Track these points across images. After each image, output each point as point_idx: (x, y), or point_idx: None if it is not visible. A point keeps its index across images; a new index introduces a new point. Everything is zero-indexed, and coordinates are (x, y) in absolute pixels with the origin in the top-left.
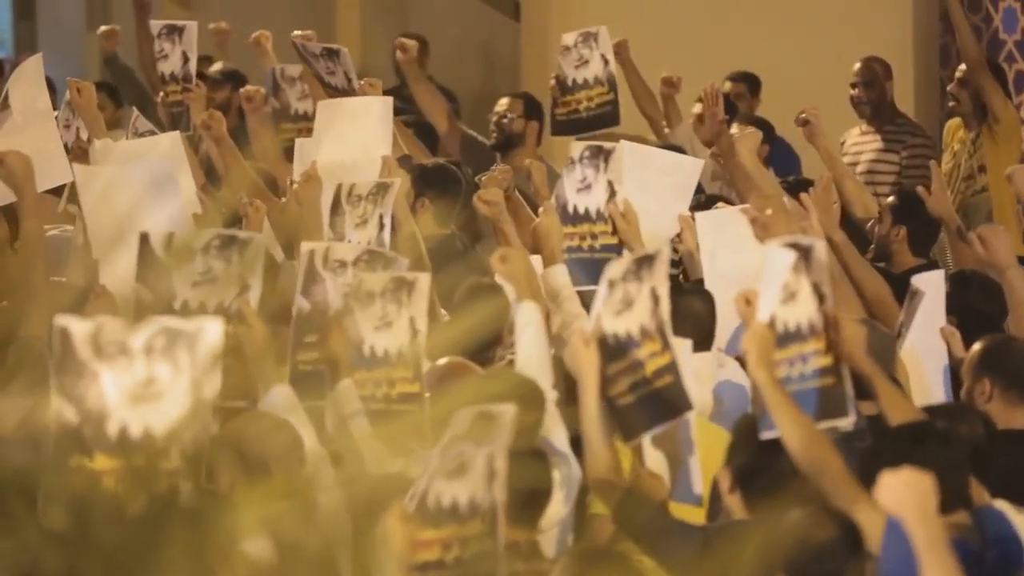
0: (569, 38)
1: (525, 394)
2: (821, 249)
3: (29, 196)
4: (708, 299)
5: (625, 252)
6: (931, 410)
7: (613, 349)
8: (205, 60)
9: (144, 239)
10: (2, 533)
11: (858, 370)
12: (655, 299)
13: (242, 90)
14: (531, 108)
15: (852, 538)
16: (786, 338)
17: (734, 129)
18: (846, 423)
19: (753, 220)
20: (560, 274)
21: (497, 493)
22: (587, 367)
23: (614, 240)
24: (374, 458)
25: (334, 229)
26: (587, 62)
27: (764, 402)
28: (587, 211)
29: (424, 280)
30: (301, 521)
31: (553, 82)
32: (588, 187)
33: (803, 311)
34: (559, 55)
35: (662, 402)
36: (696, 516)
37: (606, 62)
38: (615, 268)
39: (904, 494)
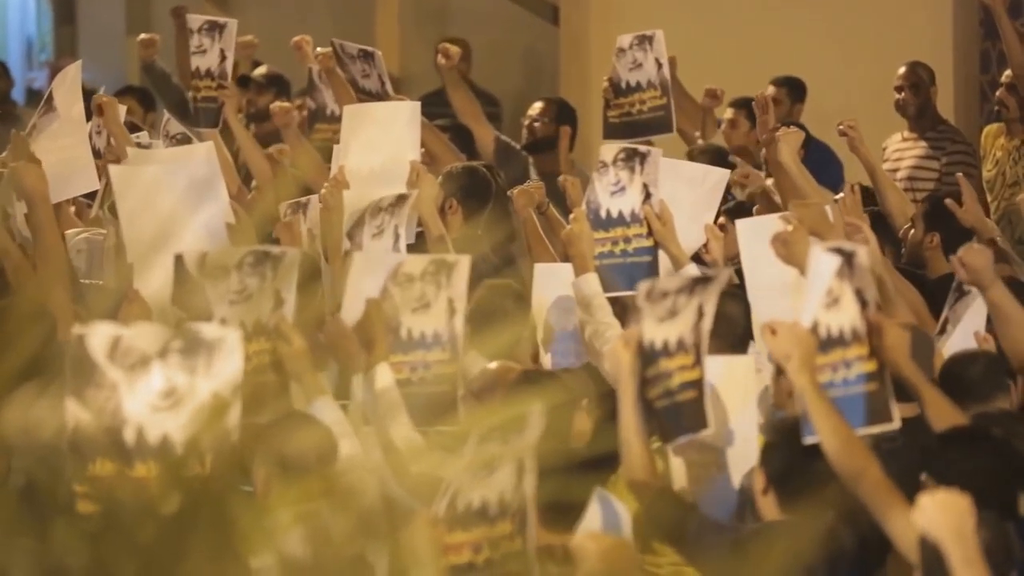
0: (625, 40)
1: (562, 399)
2: (864, 255)
3: (43, 210)
4: (743, 302)
5: (662, 255)
6: (988, 416)
7: (648, 354)
8: (253, 64)
9: (178, 259)
10: (34, 534)
11: (901, 376)
12: (700, 315)
13: (271, 107)
14: (563, 112)
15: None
16: (829, 343)
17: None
18: (890, 428)
19: (775, 238)
20: (591, 282)
21: (527, 492)
22: (626, 368)
23: (649, 243)
24: (411, 452)
25: (352, 239)
26: (641, 65)
27: (805, 407)
28: (620, 214)
29: (464, 262)
30: (334, 522)
31: (606, 84)
32: (622, 189)
33: (846, 316)
34: (614, 56)
35: (682, 415)
36: None
37: (660, 66)
38: (670, 282)
39: (941, 516)
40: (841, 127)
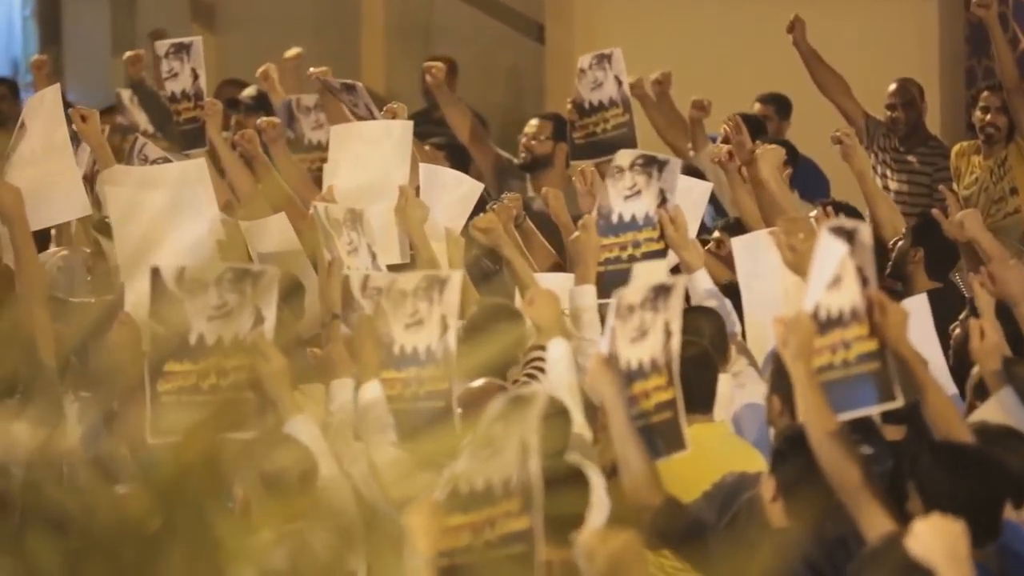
0: (584, 60)
1: (553, 412)
2: (866, 232)
3: (21, 230)
4: (715, 318)
5: (634, 274)
6: (988, 431)
7: (624, 376)
8: (235, 85)
9: (155, 273)
10: (12, 553)
11: (900, 355)
12: (668, 334)
13: (258, 122)
14: (559, 129)
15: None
16: (828, 324)
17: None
18: (895, 406)
19: (780, 243)
20: (588, 295)
21: (533, 471)
22: (612, 385)
23: (659, 246)
24: (395, 469)
25: (331, 252)
26: (601, 84)
27: (796, 396)
28: (633, 218)
29: (456, 278)
30: (314, 540)
31: (570, 106)
32: (638, 193)
33: (846, 296)
34: (576, 78)
35: (657, 437)
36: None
37: (620, 83)
38: (633, 294)
39: (935, 541)
40: (836, 134)
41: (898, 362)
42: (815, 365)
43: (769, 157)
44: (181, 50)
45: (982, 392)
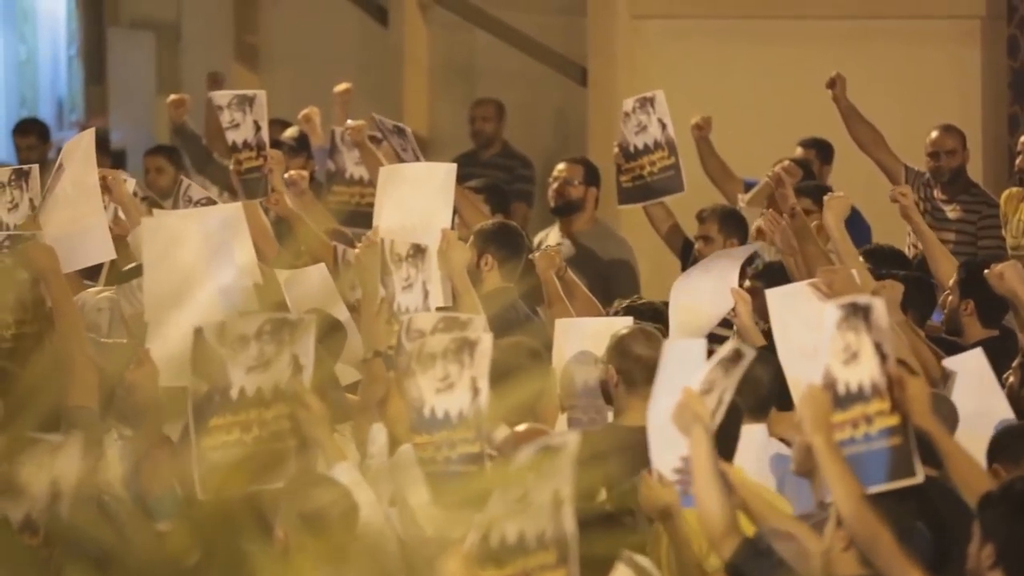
0: (628, 104)
1: (589, 453)
2: (880, 308)
3: (57, 284)
4: (771, 365)
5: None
6: None
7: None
8: (278, 125)
9: (198, 332)
10: None
11: (923, 430)
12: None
13: (285, 176)
14: (591, 174)
15: None
16: (848, 399)
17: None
18: (914, 482)
19: (820, 280)
20: None
21: (567, 522)
22: (700, 423)
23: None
24: (432, 527)
25: (385, 287)
26: (645, 127)
27: (820, 468)
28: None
29: (487, 340)
30: None
31: (616, 150)
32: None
33: (866, 371)
34: (620, 122)
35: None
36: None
37: (664, 126)
38: (712, 370)
39: None
40: (893, 194)
41: (921, 435)
42: (836, 439)
43: (835, 206)
44: (244, 102)
45: None
